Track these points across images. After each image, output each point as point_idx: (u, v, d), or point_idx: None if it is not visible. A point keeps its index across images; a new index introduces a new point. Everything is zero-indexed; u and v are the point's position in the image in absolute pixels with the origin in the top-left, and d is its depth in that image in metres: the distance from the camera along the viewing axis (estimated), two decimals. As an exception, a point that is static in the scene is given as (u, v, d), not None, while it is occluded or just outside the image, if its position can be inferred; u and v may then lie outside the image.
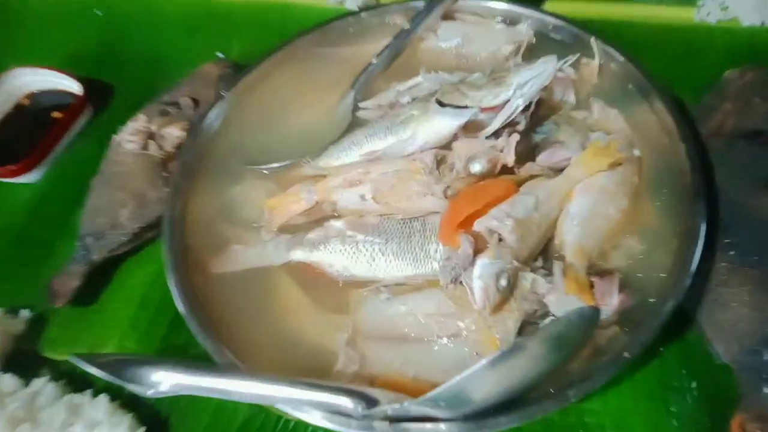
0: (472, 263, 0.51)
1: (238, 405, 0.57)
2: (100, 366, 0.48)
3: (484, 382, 0.43)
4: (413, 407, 0.44)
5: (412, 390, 0.47)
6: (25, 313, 0.66)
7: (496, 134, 0.59)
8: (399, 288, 0.55)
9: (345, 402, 0.44)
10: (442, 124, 0.58)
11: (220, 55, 0.88)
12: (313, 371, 0.52)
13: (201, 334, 0.52)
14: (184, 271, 0.58)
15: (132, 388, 0.48)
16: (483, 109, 0.57)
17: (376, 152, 0.60)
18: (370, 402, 0.44)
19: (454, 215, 0.53)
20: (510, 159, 0.56)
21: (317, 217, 0.61)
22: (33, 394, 0.57)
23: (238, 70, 0.83)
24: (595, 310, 0.46)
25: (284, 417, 0.57)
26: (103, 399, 0.56)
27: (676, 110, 0.63)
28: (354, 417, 0.45)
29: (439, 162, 0.57)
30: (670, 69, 0.74)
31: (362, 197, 0.58)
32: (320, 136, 0.70)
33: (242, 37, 0.92)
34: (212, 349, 0.52)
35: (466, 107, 0.58)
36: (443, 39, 0.74)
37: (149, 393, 0.48)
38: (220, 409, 0.57)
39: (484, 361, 0.42)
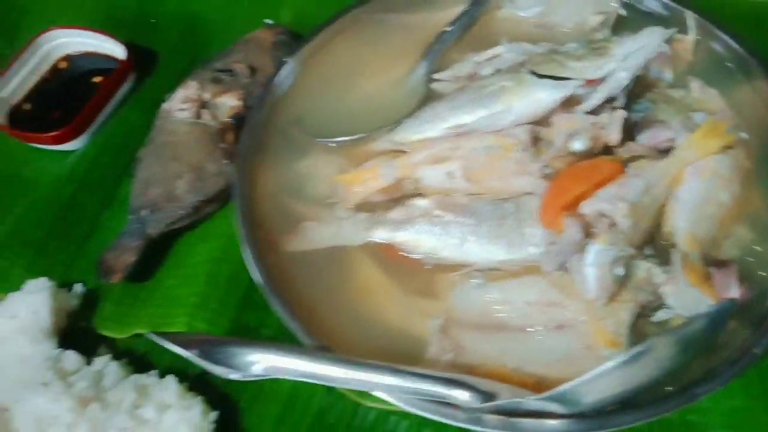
0: (581, 249, 0.47)
1: (314, 392, 0.53)
2: (184, 345, 0.44)
3: (610, 382, 0.40)
4: (532, 402, 0.40)
5: (516, 383, 0.44)
6: (78, 288, 0.61)
7: (594, 111, 0.54)
8: (492, 273, 0.51)
9: (460, 394, 0.40)
10: (540, 97, 0.54)
11: (269, 21, 0.83)
12: (396, 357, 0.49)
13: (287, 316, 0.48)
14: (257, 249, 0.53)
15: (217, 370, 0.44)
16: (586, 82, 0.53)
17: (464, 126, 0.56)
18: (486, 395, 0.40)
19: (559, 196, 0.49)
20: (616, 137, 0.52)
21: (396, 195, 0.57)
22: (97, 373, 0.53)
23: (293, 37, 0.78)
24: (732, 307, 0.42)
25: (362, 405, 0.53)
26: (171, 380, 0.52)
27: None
28: (463, 409, 0.41)
29: (535, 139, 0.53)
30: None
31: (450, 175, 0.54)
32: (389, 108, 0.65)
33: (291, 4, 0.87)
34: (300, 332, 0.48)
35: (566, 79, 0.53)
36: (522, 7, 0.69)
37: (235, 376, 0.44)
38: (294, 396, 0.54)
39: (614, 362, 0.39)
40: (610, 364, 0.39)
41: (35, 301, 0.56)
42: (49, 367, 0.52)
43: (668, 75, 0.61)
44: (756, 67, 0.60)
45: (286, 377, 0.44)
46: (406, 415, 0.52)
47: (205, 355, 0.44)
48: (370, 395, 0.52)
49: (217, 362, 0.43)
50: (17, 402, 0.49)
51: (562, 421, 0.42)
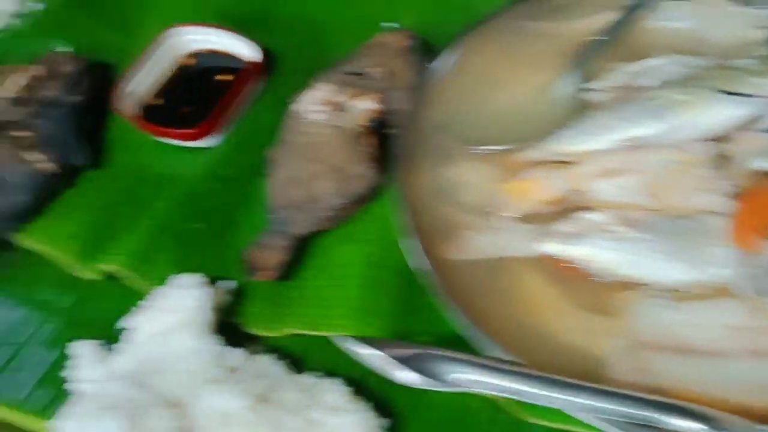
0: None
1: (481, 405, 0.52)
2: (379, 348, 0.44)
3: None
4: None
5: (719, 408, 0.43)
6: (228, 284, 0.62)
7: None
8: (677, 294, 0.50)
9: (684, 422, 0.39)
10: (725, 113, 0.52)
11: (393, 25, 0.83)
12: (573, 375, 0.47)
13: (468, 325, 0.48)
14: (428, 257, 0.53)
15: (407, 378, 0.44)
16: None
17: (638, 139, 0.55)
18: (714, 422, 0.39)
19: (755, 215, 0.48)
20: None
21: (562, 208, 0.56)
22: (262, 371, 0.53)
23: (423, 42, 0.78)
24: None
25: (524, 421, 0.52)
26: (338, 383, 0.52)
27: None
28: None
29: (719, 156, 0.52)
30: None
31: (624, 189, 0.53)
32: (536, 117, 0.64)
33: (411, 8, 0.86)
34: (483, 341, 0.47)
35: (750, 96, 0.52)
36: (672, 19, 0.68)
37: (428, 386, 0.43)
38: (460, 408, 0.53)
39: None
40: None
41: (197, 296, 0.57)
42: (217, 363, 0.52)
43: None
44: None
45: (483, 391, 0.43)
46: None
47: (402, 361, 0.43)
48: (533, 411, 0.52)
49: (419, 371, 0.43)
50: (194, 398, 0.49)
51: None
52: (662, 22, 0.68)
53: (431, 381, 0.43)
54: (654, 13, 0.68)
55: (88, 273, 0.66)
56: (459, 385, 0.43)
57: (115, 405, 0.48)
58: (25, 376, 0.61)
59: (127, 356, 0.56)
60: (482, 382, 0.43)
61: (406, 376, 0.44)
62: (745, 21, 0.65)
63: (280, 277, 0.62)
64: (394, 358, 0.44)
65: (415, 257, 0.53)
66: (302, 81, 0.74)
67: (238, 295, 0.62)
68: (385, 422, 0.51)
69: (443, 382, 0.43)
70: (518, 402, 0.49)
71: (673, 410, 0.39)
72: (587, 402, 0.41)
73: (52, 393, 0.59)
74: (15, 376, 0.61)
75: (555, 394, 0.42)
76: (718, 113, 0.52)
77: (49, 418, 0.57)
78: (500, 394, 0.43)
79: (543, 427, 0.52)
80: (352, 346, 0.47)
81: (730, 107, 0.52)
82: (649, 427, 0.41)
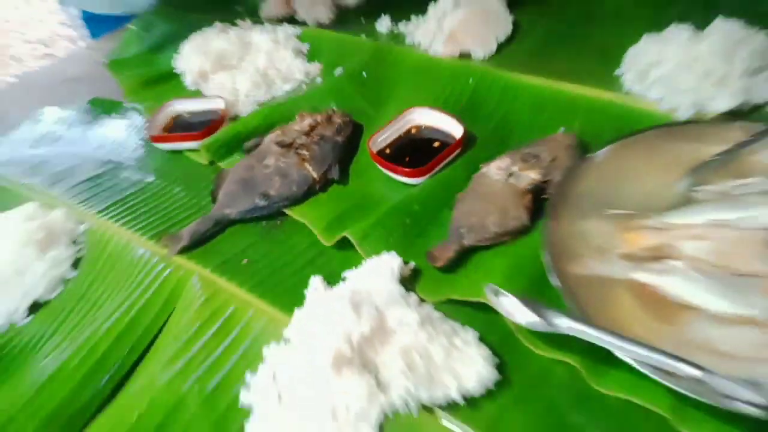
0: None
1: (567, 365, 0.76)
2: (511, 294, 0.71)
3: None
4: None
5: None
6: (411, 264, 0.93)
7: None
8: (722, 318, 0.71)
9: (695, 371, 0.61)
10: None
11: (564, 129, 1.14)
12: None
13: (575, 307, 0.73)
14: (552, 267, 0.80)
15: (529, 318, 0.70)
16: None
17: (722, 221, 0.78)
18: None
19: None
20: None
21: (657, 255, 0.80)
22: (426, 312, 0.82)
23: (583, 145, 1.07)
24: None
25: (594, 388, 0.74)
26: (471, 330, 0.79)
27: None
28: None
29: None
30: None
31: (702, 249, 0.76)
32: (657, 201, 0.89)
33: (582, 120, 1.16)
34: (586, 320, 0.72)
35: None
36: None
37: (541, 327, 0.69)
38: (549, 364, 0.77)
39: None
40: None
41: (394, 266, 0.89)
42: (401, 297, 0.83)
43: None
44: None
45: (577, 335, 0.68)
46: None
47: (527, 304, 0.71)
48: (602, 381, 0.73)
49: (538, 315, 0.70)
50: (387, 309, 0.80)
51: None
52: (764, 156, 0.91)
53: (544, 323, 0.69)
54: (761, 148, 0.91)
55: (327, 240, 1.02)
56: (562, 329, 0.68)
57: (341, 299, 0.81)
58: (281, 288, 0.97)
59: (345, 290, 0.88)
60: (576, 329, 0.68)
61: (528, 317, 0.71)
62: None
63: (448, 267, 0.92)
64: (521, 302, 0.71)
65: (549, 267, 0.80)
66: (491, 154, 1.07)
67: (417, 273, 0.93)
68: (497, 361, 0.77)
69: (552, 325, 0.69)
70: (593, 371, 0.72)
71: (684, 362, 0.61)
72: (644, 352, 0.64)
73: (298, 297, 0.92)
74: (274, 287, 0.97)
75: (625, 345, 0.65)
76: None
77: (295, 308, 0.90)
78: (589, 340, 0.67)
79: (608, 396, 0.73)
80: (493, 293, 0.74)
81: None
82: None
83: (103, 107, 1.54)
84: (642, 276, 0.77)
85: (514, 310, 0.73)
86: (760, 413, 0.59)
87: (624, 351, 0.66)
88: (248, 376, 0.82)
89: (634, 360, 0.66)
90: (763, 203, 0.76)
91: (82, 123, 1.50)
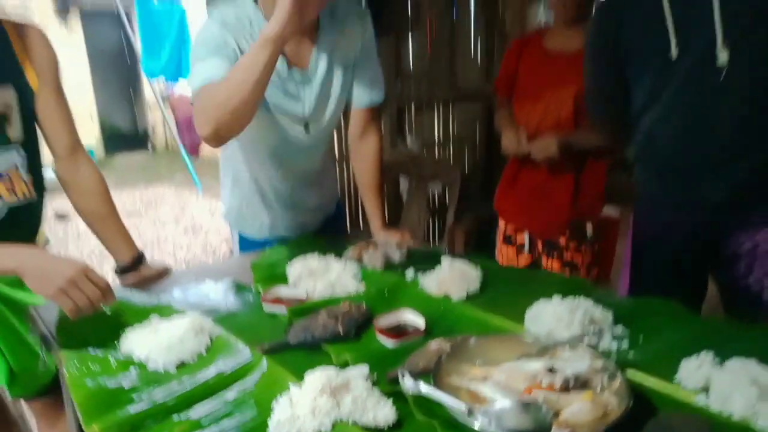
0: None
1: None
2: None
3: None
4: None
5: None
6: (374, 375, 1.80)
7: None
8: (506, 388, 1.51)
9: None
10: (535, 365, 1.58)
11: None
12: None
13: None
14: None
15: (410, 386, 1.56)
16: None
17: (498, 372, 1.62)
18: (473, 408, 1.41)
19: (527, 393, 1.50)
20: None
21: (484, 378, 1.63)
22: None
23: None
24: None
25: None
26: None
27: None
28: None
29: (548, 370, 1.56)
30: None
31: (499, 380, 1.59)
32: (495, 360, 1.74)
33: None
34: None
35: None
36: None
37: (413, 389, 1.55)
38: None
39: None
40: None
41: (365, 369, 1.77)
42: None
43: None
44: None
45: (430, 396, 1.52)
46: None
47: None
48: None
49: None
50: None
51: None
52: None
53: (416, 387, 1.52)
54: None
55: (336, 360, 1.91)
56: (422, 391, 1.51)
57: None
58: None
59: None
60: (426, 391, 1.51)
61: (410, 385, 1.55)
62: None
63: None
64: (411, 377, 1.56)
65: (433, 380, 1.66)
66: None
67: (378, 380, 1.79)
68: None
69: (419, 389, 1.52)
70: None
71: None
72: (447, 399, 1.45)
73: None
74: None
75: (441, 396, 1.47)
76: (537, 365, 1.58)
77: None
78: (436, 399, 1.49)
79: None
80: (401, 375, 1.60)
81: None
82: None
83: (239, 287, 2.64)
84: (473, 385, 1.60)
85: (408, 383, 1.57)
86: None
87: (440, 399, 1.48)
88: None
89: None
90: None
91: (223, 291, 2.59)
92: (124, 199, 9.42)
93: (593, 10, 3.11)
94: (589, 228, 3.44)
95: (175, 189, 10.94)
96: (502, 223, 3.76)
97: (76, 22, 13.54)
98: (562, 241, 3.47)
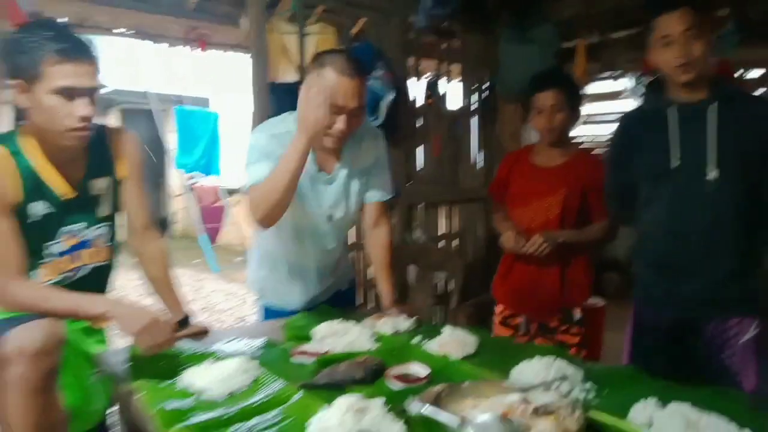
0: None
1: None
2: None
3: None
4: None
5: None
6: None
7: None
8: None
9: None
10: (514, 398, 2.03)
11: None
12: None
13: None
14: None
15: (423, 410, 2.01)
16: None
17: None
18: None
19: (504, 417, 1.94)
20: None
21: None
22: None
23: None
24: None
25: None
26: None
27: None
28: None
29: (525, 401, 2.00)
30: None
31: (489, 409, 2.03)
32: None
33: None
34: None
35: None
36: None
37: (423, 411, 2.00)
38: None
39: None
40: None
41: (380, 401, 2.22)
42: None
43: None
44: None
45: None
46: None
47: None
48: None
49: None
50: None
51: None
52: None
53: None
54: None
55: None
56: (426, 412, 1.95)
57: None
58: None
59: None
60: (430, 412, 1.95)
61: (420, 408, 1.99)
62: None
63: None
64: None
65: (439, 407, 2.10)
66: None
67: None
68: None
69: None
70: None
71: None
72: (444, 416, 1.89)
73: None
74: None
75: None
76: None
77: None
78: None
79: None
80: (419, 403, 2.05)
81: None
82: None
83: (270, 343, 3.11)
84: (465, 412, 2.04)
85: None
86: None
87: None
88: None
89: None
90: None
91: (258, 346, 3.06)
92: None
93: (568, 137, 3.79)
94: (577, 313, 3.91)
95: (191, 272, 11.55)
96: (499, 308, 4.24)
97: (117, 119, 14.98)
98: (554, 323, 3.94)
